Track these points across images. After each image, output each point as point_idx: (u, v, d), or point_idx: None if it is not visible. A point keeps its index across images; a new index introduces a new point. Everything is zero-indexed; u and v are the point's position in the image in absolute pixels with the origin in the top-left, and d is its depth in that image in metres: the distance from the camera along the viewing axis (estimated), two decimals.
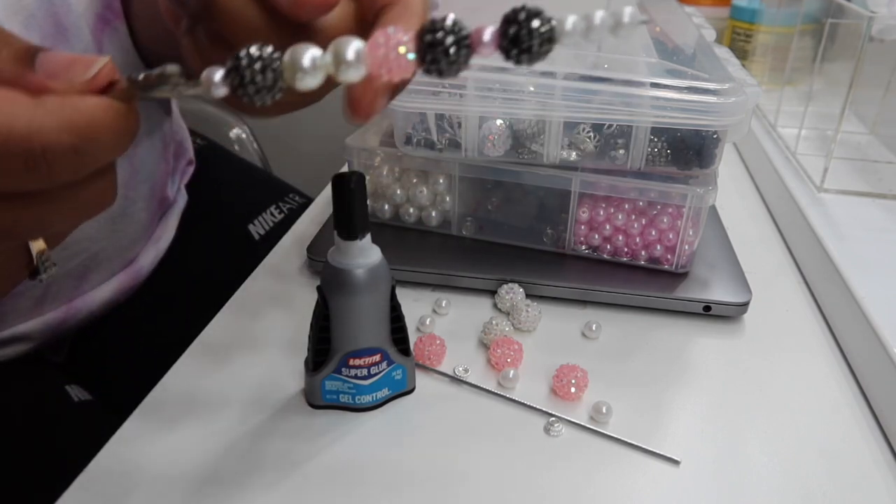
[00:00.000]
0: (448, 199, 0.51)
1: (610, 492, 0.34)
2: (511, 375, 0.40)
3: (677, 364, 0.42)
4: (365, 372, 0.37)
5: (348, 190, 0.33)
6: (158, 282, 0.57)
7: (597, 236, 0.49)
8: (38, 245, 0.26)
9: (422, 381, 0.40)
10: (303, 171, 1.33)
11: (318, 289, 0.36)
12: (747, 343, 0.44)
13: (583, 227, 0.49)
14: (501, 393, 0.39)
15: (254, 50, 0.20)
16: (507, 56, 0.22)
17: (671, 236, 0.47)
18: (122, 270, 0.54)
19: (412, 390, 0.39)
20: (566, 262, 0.49)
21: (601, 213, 0.48)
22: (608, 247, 0.49)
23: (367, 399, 0.38)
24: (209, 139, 0.75)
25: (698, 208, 0.46)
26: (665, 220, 0.47)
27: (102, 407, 0.49)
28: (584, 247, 0.50)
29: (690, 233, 0.47)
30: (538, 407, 0.38)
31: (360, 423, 0.37)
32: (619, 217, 0.48)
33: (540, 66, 0.43)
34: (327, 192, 0.61)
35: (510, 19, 0.21)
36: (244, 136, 0.94)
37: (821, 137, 0.66)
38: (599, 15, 0.22)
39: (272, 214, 0.66)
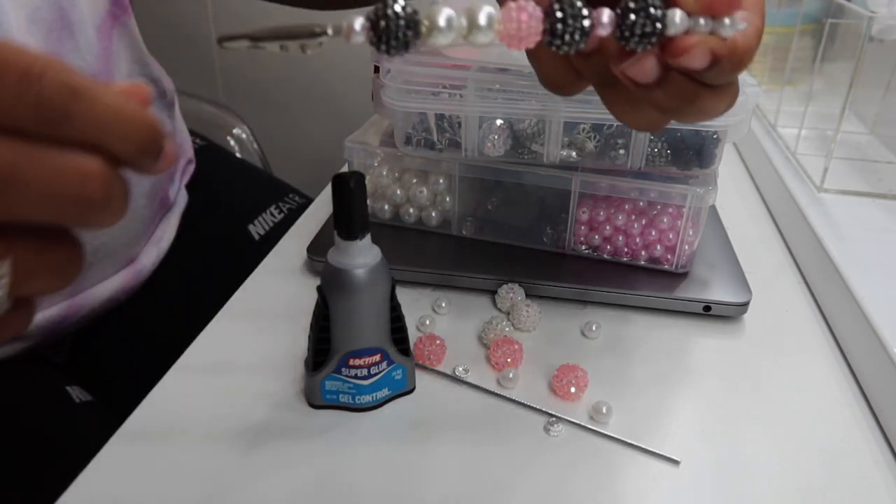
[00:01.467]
0: (448, 199, 0.51)
1: (610, 492, 0.34)
2: (511, 375, 0.40)
3: (677, 364, 0.42)
4: (365, 372, 0.37)
5: (348, 190, 0.33)
6: (158, 282, 0.58)
7: (597, 236, 0.49)
8: None
9: (422, 381, 0.40)
10: (303, 171, 1.33)
11: (318, 289, 0.36)
12: (747, 343, 0.44)
13: (583, 227, 0.49)
14: (501, 393, 0.39)
15: (398, 7, 0.22)
16: (623, 39, 0.25)
17: (671, 236, 0.47)
18: (123, 269, 0.54)
19: (412, 390, 0.39)
20: (566, 262, 0.49)
21: (601, 213, 0.48)
22: (608, 247, 0.49)
23: (367, 399, 0.38)
24: (209, 139, 0.75)
25: (698, 208, 0.46)
26: (665, 220, 0.47)
27: (102, 407, 0.49)
28: (584, 247, 0.50)
29: (690, 233, 0.47)
30: (538, 407, 0.38)
31: (360, 423, 0.37)
32: (619, 217, 0.48)
33: None
34: (327, 192, 0.61)
35: (630, 5, 0.24)
36: (244, 136, 0.94)
37: (821, 137, 0.66)
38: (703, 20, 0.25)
39: (272, 214, 0.66)
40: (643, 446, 0.36)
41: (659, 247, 0.48)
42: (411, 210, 0.53)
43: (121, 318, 0.56)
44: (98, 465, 0.34)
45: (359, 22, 0.22)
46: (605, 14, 0.24)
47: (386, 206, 0.53)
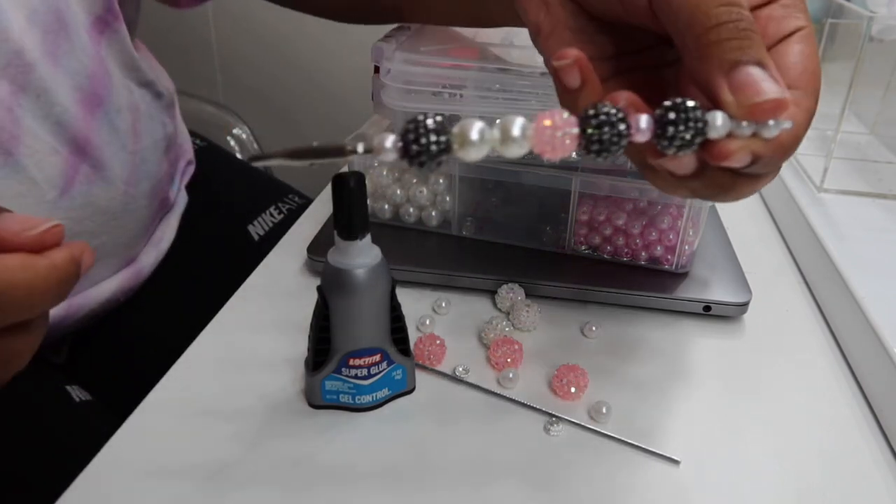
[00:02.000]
0: (448, 199, 0.51)
1: (610, 492, 0.34)
2: (511, 375, 0.40)
3: (677, 364, 0.42)
4: (365, 372, 0.37)
5: (348, 190, 0.33)
6: (158, 282, 0.58)
7: (597, 236, 0.49)
8: None
9: (422, 381, 0.40)
10: (303, 171, 1.33)
11: (318, 289, 0.36)
12: (747, 343, 0.44)
13: (583, 227, 0.49)
14: (501, 393, 0.39)
15: (430, 123, 0.21)
16: (661, 146, 0.24)
17: (671, 236, 0.47)
18: (122, 269, 0.54)
19: (412, 390, 0.39)
20: (566, 262, 0.49)
21: (601, 213, 0.48)
22: (608, 247, 0.49)
23: (367, 399, 0.38)
24: (209, 140, 0.75)
25: (698, 208, 0.46)
26: (665, 221, 0.47)
27: (102, 407, 0.49)
28: (584, 247, 0.50)
29: (690, 233, 0.47)
30: (538, 407, 0.38)
31: (360, 423, 0.37)
32: (619, 217, 0.48)
33: (539, 66, 0.43)
34: (327, 192, 0.61)
35: (669, 109, 0.23)
36: (244, 136, 0.94)
37: (821, 137, 0.66)
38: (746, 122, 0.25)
39: (272, 215, 0.66)
40: (643, 446, 0.36)
41: (659, 247, 0.48)
42: (411, 210, 0.53)
43: (121, 318, 0.56)
44: (98, 464, 0.34)
45: (390, 140, 0.22)
46: (644, 120, 0.24)
47: (386, 206, 0.53)
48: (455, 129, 0.22)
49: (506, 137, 0.22)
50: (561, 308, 0.47)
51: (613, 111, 0.23)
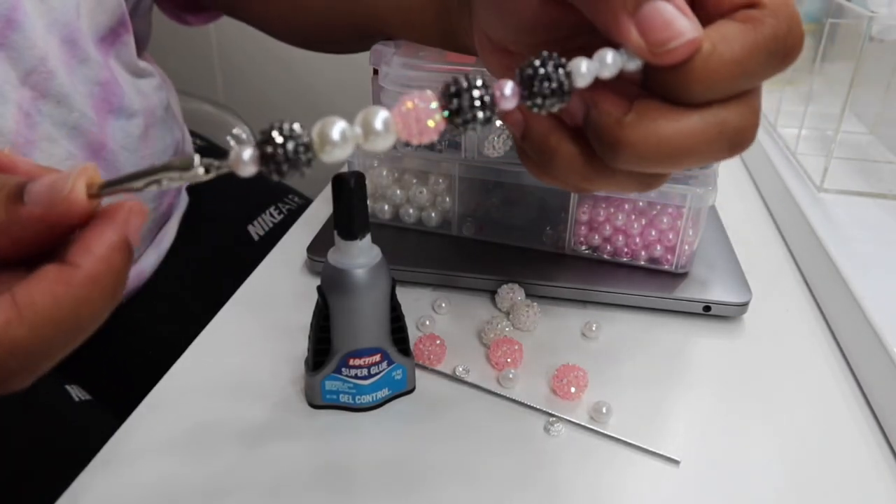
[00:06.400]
0: (448, 199, 0.51)
1: (610, 492, 0.34)
2: (511, 375, 0.40)
3: (677, 364, 0.42)
4: (365, 372, 0.37)
5: (348, 190, 0.33)
6: (159, 282, 0.58)
7: (597, 236, 0.49)
8: None
9: (422, 381, 0.40)
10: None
11: (318, 289, 0.36)
12: (747, 343, 0.44)
13: (583, 227, 0.49)
14: (501, 393, 0.39)
15: (285, 128, 0.20)
16: (531, 104, 0.22)
17: (671, 236, 0.47)
18: None
19: (412, 390, 0.39)
20: (566, 262, 0.49)
21: (601, 213, 0.48)
22: (608, 247, 0.49)
23: (367, 399, 0.38)
24: (209, 140, 0.76)
25: (698, 208, 0.46)
26: (665, 221, 0.47)
27: (102, 407, 0.49)
28: (584, 247, 0.50)
29: (690, 233, 0.47)
30: (538, 407, 0.38)
31: (360, 423, 0.37)
32: (619, 217, 0.48)
33: None
34: (327, 192, 0.61)
35: (527, 66, 0.22)
36: (244, 136, 0.94)
37: (821, 137, 0.66)
38: (610, 56, 0.23)
39: (271, 215, 0.66)
40: (643, 446, 0.36)
41: (659, 247, 0.48)
42: (411, 210, 0.53)
43: (121, 319, 0.56)
44: (98, 464, 0.35)
45: (248, 153, 0.20)
46: (508, 86, 0.22)
47: (386, 207, 0.53)
48: (314, 132, 0.20)
49: (369, 131, 0.21)
50: (561, 308, 0.47)
51: (475, 82, 0.21)
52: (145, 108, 0.51)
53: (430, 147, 0.49)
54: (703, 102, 0.23)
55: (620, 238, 0.48)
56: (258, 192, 0.69)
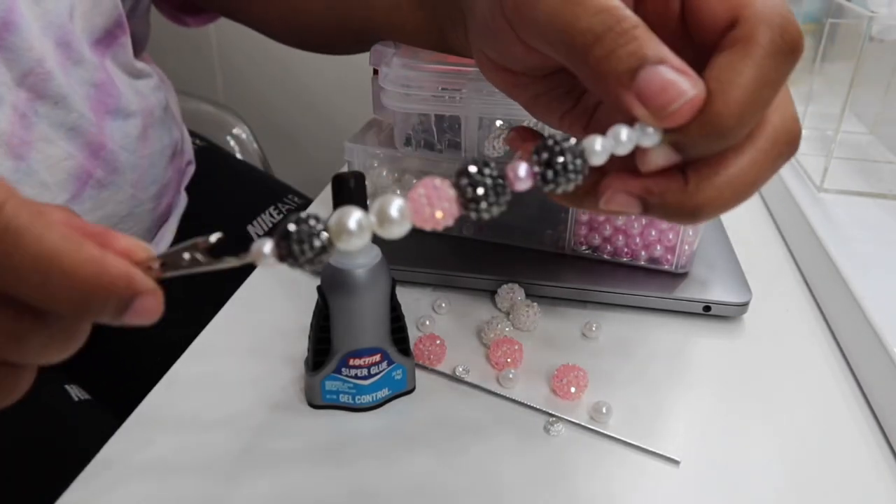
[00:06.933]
0: None
1: (610, 492, 0.34)
2: (511, 375, 0.40)
3: (677, 364, 0.42)
4: (365, 372, 0.37)
5: (348, 190, 0.33)
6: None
7: (597, 236, 0.49)
8: None
9: (422, 381, 0.40)
10: (303, 171, 1.33)
11: (318, 289, 0.36)
12: (747, 343, 0.44)
13: (583, 227, 0.49)
14: (501, 393, 0.39)
15: (302, 223, 0.21)
16: (546, 189, 0.23)
17: (671, 236, 0.47)
18: None
19: (412, 390, 0.39)
20: (566, 262, 0.49)
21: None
22: (608, 247, 0.49)
23: (367, 399, 0.38)
24: (208, 140, 0.76)
25: None
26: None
27: (102, 407, 0.49)
28: (584, 247, 0.50)
29: (690, 233, 0.47)
30: (538, 407, 0.38)
31: (360, 423, 0.37)
32: (619, 217, 0.48)
33: None
34: (327, 192, 0.61)
35: (542, 148, 0.22)
36: (244, 136, 0.94)
37: (821, 137, 0.66)
38: (625, 133, 0.23)
39: (271, 215, 0.66)
40: (643, 446, 0.36)
41: (659, 247, 0.48)
42: None
43: None
44: (97, 464, 0.34)
45: (268, 246, 0.21)
46: (522, 169, 0.22)
47: None
48: (332, 222, 0.21)
49: (384, 219, 0.21)
50: (561, 308, 0.47)
51: (486, 169, 0.22)
52: (143, 109, 0.51)
53: (431, 147, 0.49)
54: (745, 134, 0.23)
55: (620, 238, 0.48)
56: (258, 192, 0.69)
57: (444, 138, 0.48)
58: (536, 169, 0.22)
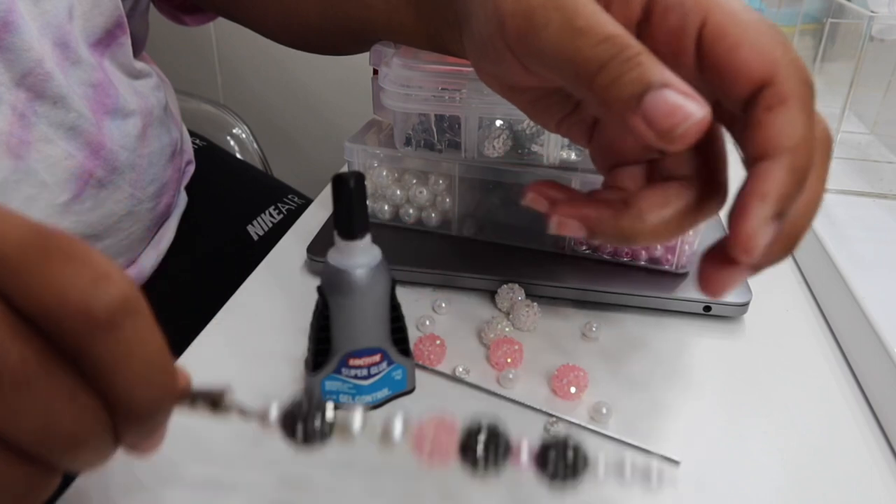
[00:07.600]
0: (448, 199, 0.51)
1: (610, 492, 0.34)
2: (511, 375, 0.40)
3: (677, 364, 0.42)
4: (365, 372, 0.37)
5: (348, 189, 0.33)
6: (158, 282, 0.58)
7: None
8: None
9: (422, 381, 0.40)
10: (303, 171, 1.33)
11: (318, 289, 0.36)
12: (747, 343, 0.44)
13: None
14: (501, 393, 0.39)
15: (309, 426, 0.23)
16: (544, 473, 0.25)
17: None
18: (123, 270, 0.54)
19: (412, 390, 0.39)
20: (566, 262, 0.49)
21: None
22: (608, 247, 0.49)
23: (367, 399, 0.38)
24: (208, 140, 0.76)
25: None
26: None
27: None
28: (584, 247, 0.50)
29: (690, 233, 0.47)
30: (538, 407, 0.38)
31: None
32: None
33: None
34: (327, 191, 0.61)
35: (549, 446, 0.24)
36: (244, 136, 0.94)
37: None
38: (629, 464, 0.25)
39: (271, 215, 0.66)
40: (643, 446, 0.36)
41: (659, 247, 0.48)
42: (411, 210, 0.53)
43: None
44: None
45: (273, 412, 0.24)
46: (524, 451, 0.24)
47: (386, 207, 0.53)
48: (339, 418, 0.23)
49: (386, 436, 0.23)
50: (561, 308, 0.47)
51: (494, 437, 0.24)
52: (142, 109, 0.51)
53: (430, 147, 0.49)
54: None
55: None
56: (258, 192, 0.69)
57: (444, 138, 0.48)
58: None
